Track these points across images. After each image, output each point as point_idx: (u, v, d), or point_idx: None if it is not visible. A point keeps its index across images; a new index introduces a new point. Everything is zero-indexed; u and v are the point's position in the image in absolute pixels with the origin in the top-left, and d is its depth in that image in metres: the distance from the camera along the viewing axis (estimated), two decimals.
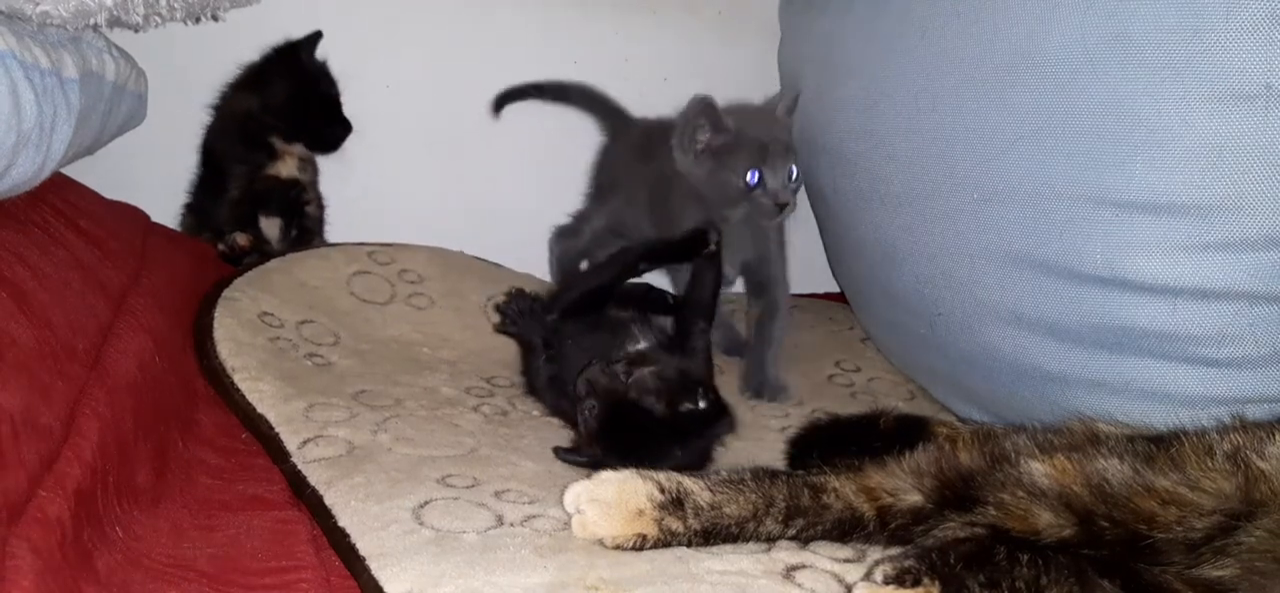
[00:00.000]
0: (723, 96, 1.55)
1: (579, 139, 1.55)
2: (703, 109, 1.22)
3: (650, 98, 1.55)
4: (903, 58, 1.14)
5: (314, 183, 1.39)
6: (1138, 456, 0.64)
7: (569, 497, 0.70)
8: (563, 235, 1.49)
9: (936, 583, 0.59)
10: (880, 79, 1.18)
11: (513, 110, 1.52)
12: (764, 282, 1.31)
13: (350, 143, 1.36)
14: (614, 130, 1.50)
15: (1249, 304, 0.88)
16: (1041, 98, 0.96)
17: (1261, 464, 0.60)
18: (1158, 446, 0.65)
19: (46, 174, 0.93)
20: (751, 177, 1.20)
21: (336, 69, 1.35)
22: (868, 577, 0.61)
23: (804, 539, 0.71)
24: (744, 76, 1.46)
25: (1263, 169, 0.84)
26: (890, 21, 1.17)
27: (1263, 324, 0.88)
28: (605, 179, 1.49)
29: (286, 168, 1.34)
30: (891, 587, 0.59)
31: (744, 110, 1.29)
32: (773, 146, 1.21)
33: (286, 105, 1.31)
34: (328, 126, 1.34)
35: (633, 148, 1.44)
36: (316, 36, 1.32)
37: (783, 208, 1.22)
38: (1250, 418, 0.69)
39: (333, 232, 1.41)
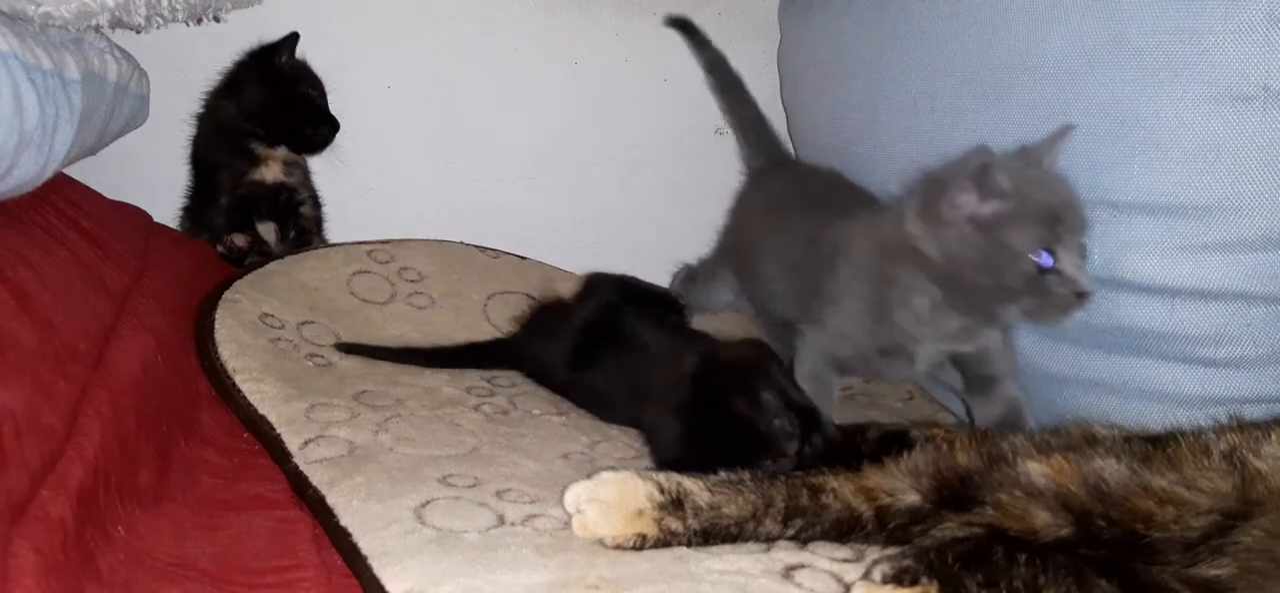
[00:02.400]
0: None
1: (579, 137, 1.56)
2: (980, 169, 0.88)
3: (650, 99, 1.56)
4: (902, 59, 1.14)
5: (306, 182, 1.38)
6: (1135, 455, 0.64)
7: (569, 497, 0.70)
8: (685, 281, 1.37)
9: (934, 583, 0.59)
10: (880, 81, 1.18)
11: (513, 111, 1.52)
12: (990, 377, 0.99)
13: (351, 142, 1.36)
14: (762, 168, 1.33)
15: (1246, 305, 0.88)
16: (1040, 99, 0.96)
17: (1258, 464, 0.60)
18: (1155, 445, 0.66)
19: (49, 175, 0.94)
20: (1042, 258, 0.88)
21: (337, 69, 1.35)
22: (866, 576, 0.62)
23: (803, 539, 0.72)
24: (744, 77, 1.46)
25: (1261, 170, 0.84)
26: (890, 23, 1.17)
27: (1260, 325, 0.88)
28: (739, 230, 1.30)
29: (271, 172, 1.33)
30: (890, 586, 0.60)
31: (1012, 162, 0.93)
32: (1067, 216, 0.89)
33: (261, 110, 1.30)
34: (309, 128, 1.33)
35: (783, 195, 1.24)
36: (293, 38, 1.30)
37: (1082, 299, 0.88)
38: (1247, 418, 0.70)
39: (334, 231, 1.41)
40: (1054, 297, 0.89)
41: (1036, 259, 0.87)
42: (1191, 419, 0.74)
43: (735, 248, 1.31)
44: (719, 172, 1.59)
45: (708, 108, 1.57)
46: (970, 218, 0.90)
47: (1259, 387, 0.90)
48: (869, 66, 1.20)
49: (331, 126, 1.33)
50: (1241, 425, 0.66)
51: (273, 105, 1.30)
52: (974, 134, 1.03)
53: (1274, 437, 0.62)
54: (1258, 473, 0.60)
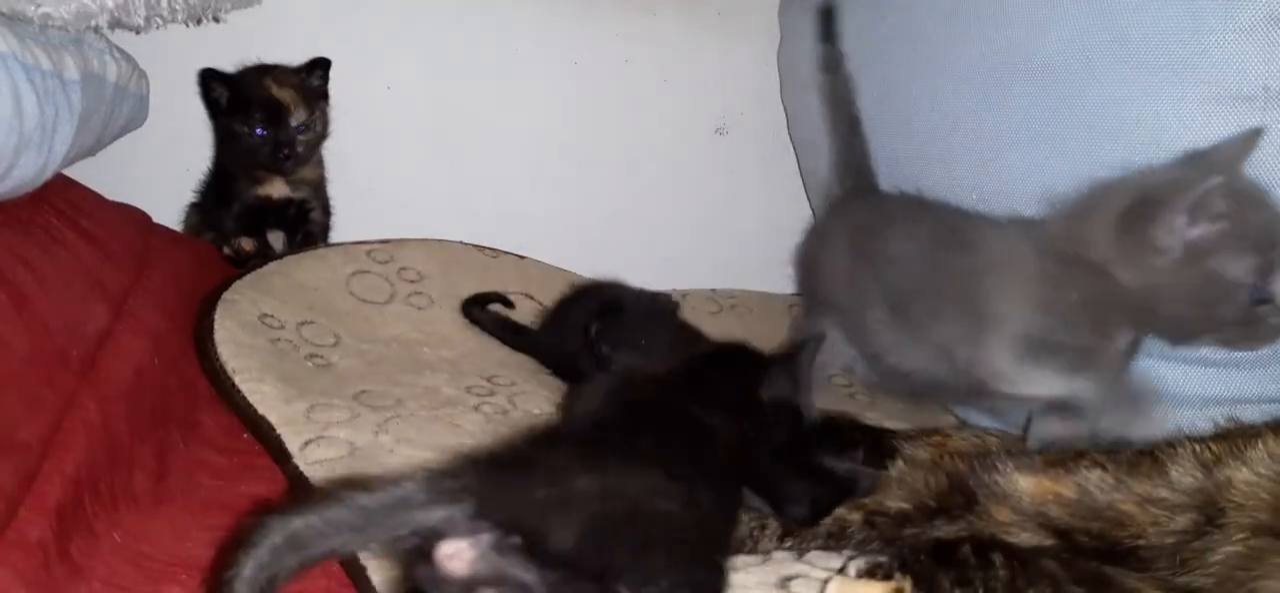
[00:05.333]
0: (722, 95, 1.57)
1: (579, 137, 1.56)
2: (1204, 195, 0.77)
3: (650, 99, 1.56)
4: (901, 59, 1.14)
5: (318, 193, 1.36)
6: (1120, 465, 0.65)
7: None
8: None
9: (908, 579, 0.60)
10: (879, 80, 1.18)
11: (512, 111, 1.52)
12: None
13: (350, 143, 1.35)
14: (845, 194, 1.18)
15: None
16: (1040, 99, 0.96)
17: (1243, 471, 0.61)
18: (1140, 454, 0.66)
19: (48, 175, 0.94)
20: (1257, 289, 0.78)
21: (336, 70, 1.35)
22: (841, 571, 0.63)
23: (800, 551, 0.73)
24: (744, 77, 1.46)
25: (1261, 170, 0.84)
26: (889, 23, 1.17)
27: None
28: (831, 274, 1.11)
29: (277, 189, 1.31)
30: (863, 580, 0.61)
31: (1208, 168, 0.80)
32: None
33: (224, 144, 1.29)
34: (251, 160, 1.27)
35: (880, 227, 1.06)
36: (205, 74, 1.24)
37: None
38: (1242, 422, 0.70)
39: (334, 231, 1.41)
40: (1264, 327, 0.80)
41: (1254, 289, 0.78)
42: (1191, 419, 0.75)
43: (829, 296, 1.12)
44: (719, 171, 1.59)
45: (708, 108, 1.57)
46: (1187, 243, 0.79)
47: (1259, 387, 0.90)
48: (868, 66, 1.20)
49: (271, 147, 1.25)
50: (1229, 433, 0.67)
51: (225, 139, 1.29)
52: (974, 134, 1.03)
53: (1259, 444, 0.63)
54: (1243, 481, 0.61)
